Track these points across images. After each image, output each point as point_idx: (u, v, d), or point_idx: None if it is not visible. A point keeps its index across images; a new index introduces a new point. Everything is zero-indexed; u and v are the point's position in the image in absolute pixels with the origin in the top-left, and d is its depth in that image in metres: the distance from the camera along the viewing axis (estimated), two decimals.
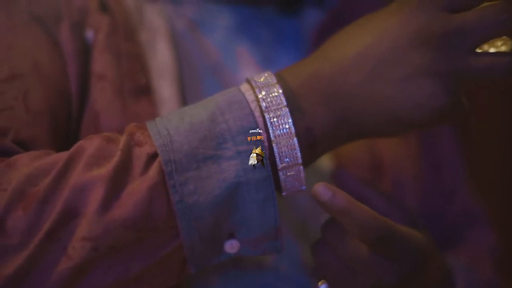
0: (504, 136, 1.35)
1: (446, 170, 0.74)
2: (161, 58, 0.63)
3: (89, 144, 0.51)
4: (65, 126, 0.58)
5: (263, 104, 0.51)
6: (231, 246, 0.52)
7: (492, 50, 0.53)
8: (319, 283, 0.57)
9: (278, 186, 0.52)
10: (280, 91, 0.52)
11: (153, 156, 0.50)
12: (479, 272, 0.68)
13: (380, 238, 0.51)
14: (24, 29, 0.59)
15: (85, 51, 0.60)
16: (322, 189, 0.50)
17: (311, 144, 0.53)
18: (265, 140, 0.51)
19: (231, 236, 0.52)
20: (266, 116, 0.51)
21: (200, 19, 0.68)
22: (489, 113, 1.28)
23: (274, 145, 0.51)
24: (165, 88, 0.62)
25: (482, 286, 0.67)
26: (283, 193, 0.53)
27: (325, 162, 0.66)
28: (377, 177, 0.67)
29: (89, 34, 0.60)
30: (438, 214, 0.73)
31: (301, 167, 0.52)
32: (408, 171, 0.70)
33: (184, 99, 0.63)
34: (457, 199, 0.74)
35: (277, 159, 0.51)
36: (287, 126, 0.51)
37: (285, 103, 0.51)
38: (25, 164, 0.50)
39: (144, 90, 0.60)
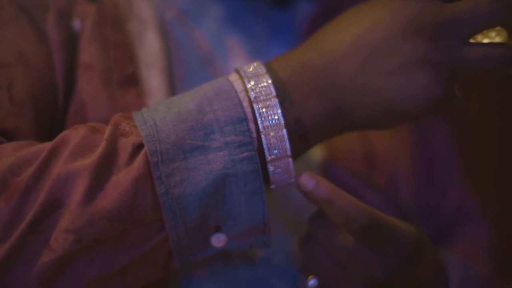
0: (499, 131, 1.35)
1: (440, 164, 0.73)
2: (149, 48, 0.62)
3: (74, 134, 0.50)
4: (50, 117, 0.57)
5: (252, 94, 0.50)
6: (218, 240, 0.51)
7: (486, 40, 0.52)
8: (308, 278, 0.56)
9: (267, 179, 0.51)
10: (270, 81, 0.51)
11: (138, 147, 0.49)
12: (473, 267, 0.67)
13: (365, 227, 0.50)
14: (10, 19, 0.58)
15: (72, 41, 0.59)
16: (305, 179, 0.50)
17: (301, 135, 0.52)
18: (254, 131, 0.50)
19: (217, 229, 0.51)
20: (255, 106, 0.50)
21: (191, 10, 0.67)
22: (483, 107, 1.27)
23: (262, 136, 0.50)
24: (153, 78, 0.61)
25: (477, 281, 0.66)
26: (272, 186, 0.52)
27: (316, 154, 0.65)
28: (370, 170, 0.66)
29: (76, 23, 0.59)
30: (433, 208, 0.72)
31: (290, 160, 0.51)
32: (402, 165, 0.69)
33: (174, 90, 0.62)
34: (452, 194, 0.74)
35: (266, 151, 0.50)
36: (276, 117, 0.50)
37: (274, 93, 0.50)
38: (8, 154, 0.49)
39: (132, 80, 0.59)
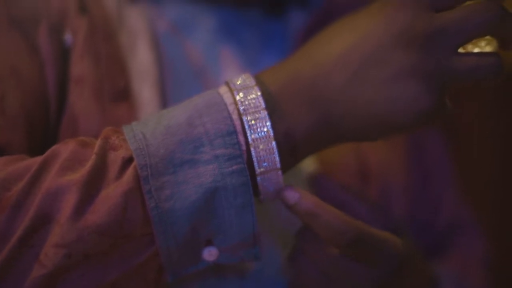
0: (494, 140, 1.34)
1: (434, 175, 0.73)
2: (141, 60, 0.62)
3: (64, 149, 0.50)
4: (43, 130, 0.57)
5: (241, 107, 0.50)
6: (210, 254, 0.51)
7: (476, 50, 0.52)
8: None
9: (256, 191, 0.51)
10: (259, 93, 0.50)
11: (128, 161, 0.49)
12: (468, 280, 0.66)
13: (350, 240, 0.50)
14: (2, 33, 0.58)
15: (63, 54, 0.59)
16: (289, 193, 0.50)
17: (291, 148, 0.51)
18: (243, 144, 0.50)
19: (209, 243, 0.51)
20: (244, 119, 0.50)
21: (183, 22, 0.67)
22: (478, 118, 1.27)
23: (252, 149, 0.49)
24: (145, 91, 0.61)
25: None
26: (261, 198, 0.51)
27: (307, 167, 0.64)
28: (364, 183, 0.66)
29: (68, 37, 0.60)
30: (427, 220, 0.72)
31: (280, 172, 0.50)
32: (396, 176, 0.69)
33: (166, 102, 0.62)
34: (446, 205, 0.73)
35: (255, 164, 0.50)
36: (265, 129, 0.50)
37: (263, 106, 0.50)
38: None
39: (123, 94, 0.59)
